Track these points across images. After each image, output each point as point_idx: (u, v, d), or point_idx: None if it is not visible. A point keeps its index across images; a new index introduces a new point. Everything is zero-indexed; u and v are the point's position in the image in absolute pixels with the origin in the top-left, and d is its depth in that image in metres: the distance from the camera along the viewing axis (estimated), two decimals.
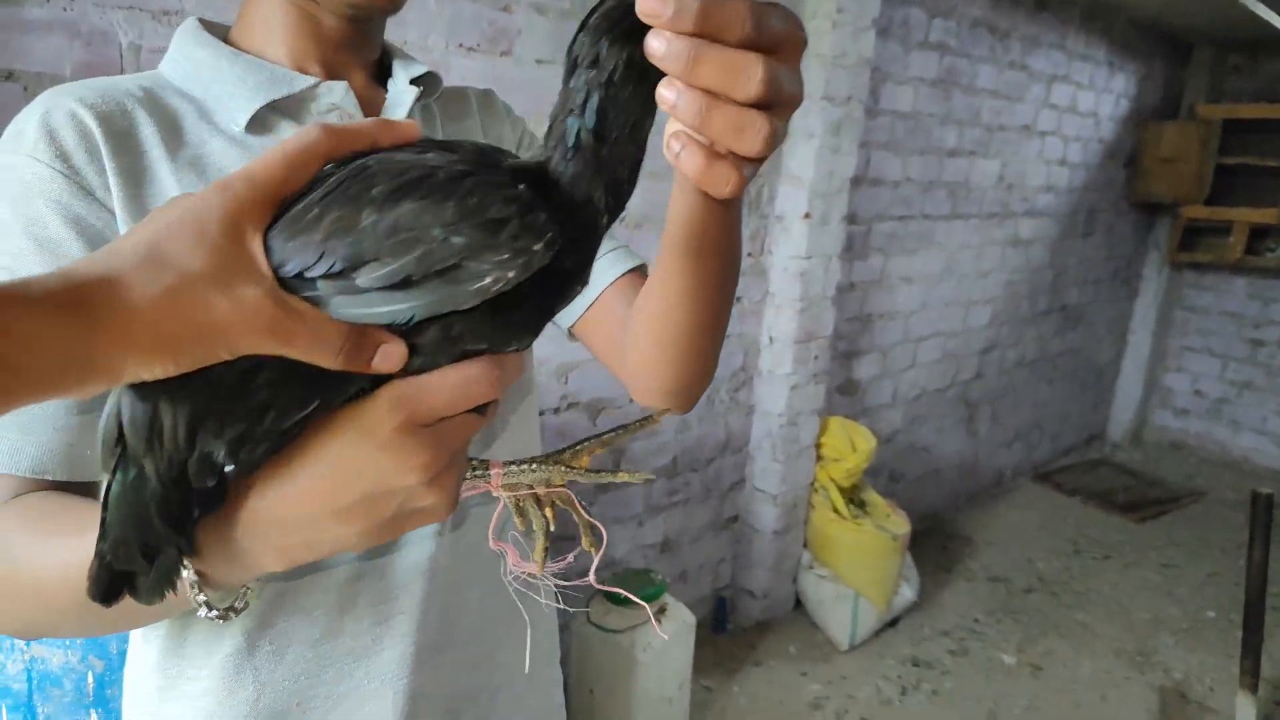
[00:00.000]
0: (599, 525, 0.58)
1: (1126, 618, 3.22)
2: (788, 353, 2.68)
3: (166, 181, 0.61)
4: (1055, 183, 3.94)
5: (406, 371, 0.44)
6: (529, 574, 0.63)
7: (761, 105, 0.39)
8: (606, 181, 0.46)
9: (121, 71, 1.37)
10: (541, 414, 2.04)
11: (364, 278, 0.41)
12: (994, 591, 3.33)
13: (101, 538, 0.45)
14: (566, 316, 0.82)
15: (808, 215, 2.56)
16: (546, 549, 0.57)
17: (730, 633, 2.90)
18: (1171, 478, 4.75)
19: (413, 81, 0.74)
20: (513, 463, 0.55)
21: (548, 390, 2.16)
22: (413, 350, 0.44)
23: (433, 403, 0.45)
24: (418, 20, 1.70)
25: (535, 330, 0.48)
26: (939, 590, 3.28)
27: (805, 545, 2.96)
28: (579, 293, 0.49)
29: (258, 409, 0.43)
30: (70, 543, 0.51)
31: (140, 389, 0.42)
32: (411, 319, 0.42)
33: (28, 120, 0.59)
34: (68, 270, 0.36)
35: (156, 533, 0.45)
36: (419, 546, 0.71)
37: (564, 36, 1.88)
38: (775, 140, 0.40)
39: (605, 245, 0.80)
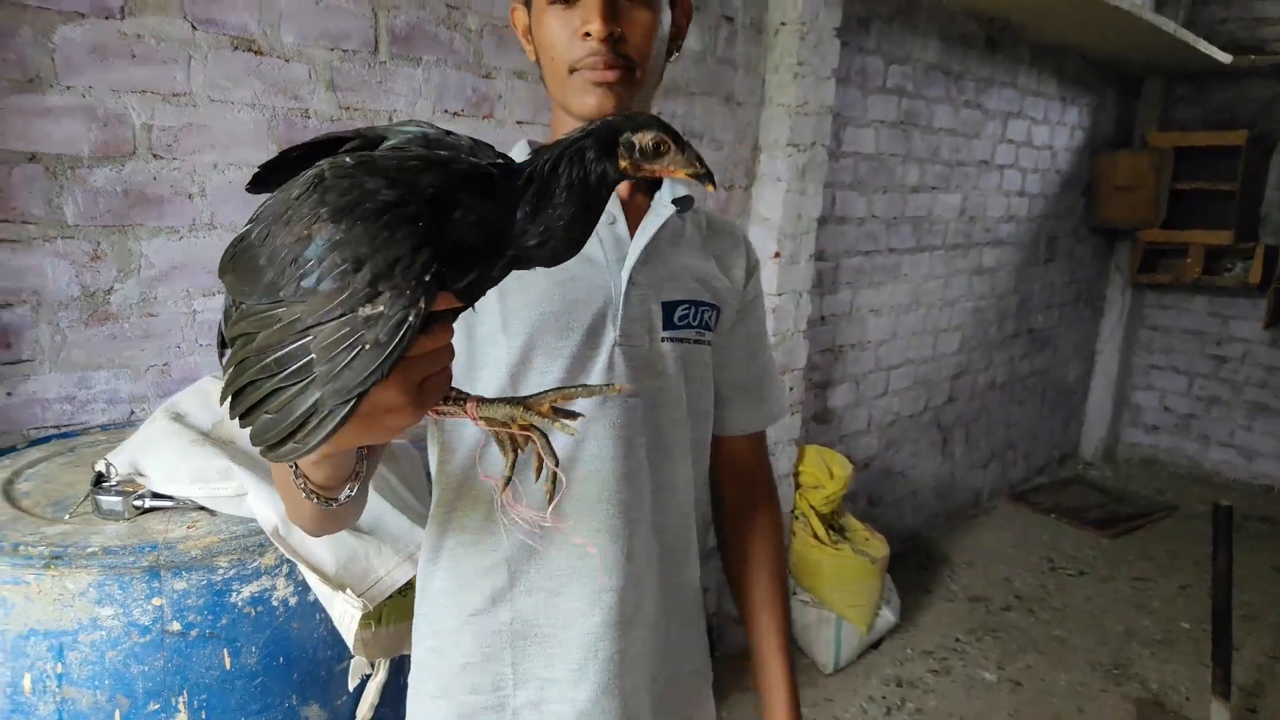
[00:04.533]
0: (560, 473, 0.69)
1: (1101, 631, 3.32)
2: None
3: None
4: (1015, 213, 4.11)
5: None
6: (509, 505, 0.76)
7: None
8: (533, 207, 0.61)
9: (134, 150, 1.48)
10: None
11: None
12: (974, 610, 3.43)
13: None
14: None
15: (777, 255, 2.69)
16: (508, 479, 0.70)
17: (717, 659, 2.98)
18: (1143, 493, 4.88)
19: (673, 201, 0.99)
20: (484, 399, 0.68)
21: None
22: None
23: None
24: (406, 89, 1.82)
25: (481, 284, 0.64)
26: (920, 611, 3.38)
27: (789, 571, 3.06)
28: (495, 267, 0.63)
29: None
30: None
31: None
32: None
33: None
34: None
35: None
36: (617, 544, 0.94)
37: (541, 98, 2.01)
38: None
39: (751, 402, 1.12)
